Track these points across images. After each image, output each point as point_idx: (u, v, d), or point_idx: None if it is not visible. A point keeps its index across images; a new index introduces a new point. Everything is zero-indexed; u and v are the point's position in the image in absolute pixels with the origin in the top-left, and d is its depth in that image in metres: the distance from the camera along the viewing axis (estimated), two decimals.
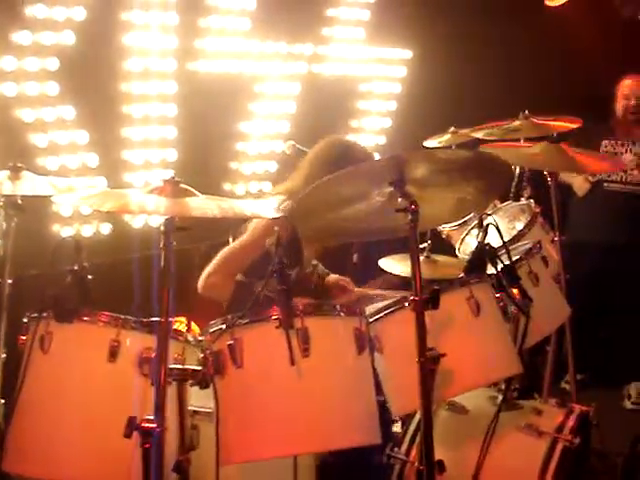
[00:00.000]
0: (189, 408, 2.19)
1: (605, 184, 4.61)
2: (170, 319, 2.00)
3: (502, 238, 2.62)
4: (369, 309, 2.38)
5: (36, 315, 2.15)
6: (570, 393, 3.70)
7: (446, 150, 3.49)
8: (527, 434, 2.56)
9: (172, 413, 2.06)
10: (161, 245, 2.01)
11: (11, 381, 2.17)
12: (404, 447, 2.63)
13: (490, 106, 3.98)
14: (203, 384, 2.10)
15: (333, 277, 3.43)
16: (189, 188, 2.08)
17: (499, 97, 4.72)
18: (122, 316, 2.14)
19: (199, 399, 2.23)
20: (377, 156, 4.29)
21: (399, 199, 2.14)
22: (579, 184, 4.63)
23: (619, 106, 4.67)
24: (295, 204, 2.30)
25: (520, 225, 3.62)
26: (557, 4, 5.46)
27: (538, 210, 3.63)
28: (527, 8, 5.28)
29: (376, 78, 5.04)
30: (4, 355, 2.62)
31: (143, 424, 1.93)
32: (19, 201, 2.62)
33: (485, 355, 2.43)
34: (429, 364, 2.10)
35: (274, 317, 2.04)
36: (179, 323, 3.58)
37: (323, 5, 4.71)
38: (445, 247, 3.86)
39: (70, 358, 2.13)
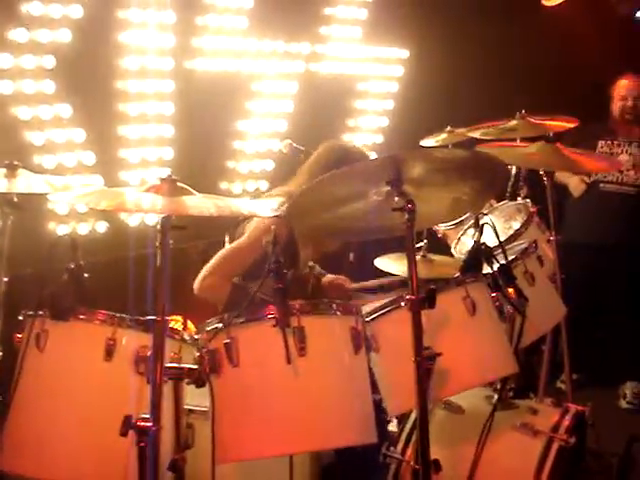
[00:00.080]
0: (185, 407, 2.20)
1: (601, 185, 4.62)
2: (166, 318, 2.00)
3: (498, 238, 2.62)
4: (365, 308, 2.38)
5: (32, 313, 2.15)
6: (566, 393, 3.71)
7: (443, 149, 3.49)
8: (523, 433, 2.57)
9: (168, 412, 2.06)
10: (157, 244, 2.01)
11: (7, 379, 2.17)
12: (400, 446, 2.63)
13: (487, 106, 3.98)
14: (199, 383, 2.11)
15: (329, 277, 3.43)
16: (186, 187, 2.08)
17: (496, 97, 4.73)
18: (118, 314, 2.14)
19: (194, 398, 2.23)
20: (374, 155, 4.29)
21: (396, 198, 2.14)
22: (575, 185, 4.64)
23: (615, 106, 4.68)
24: (291, 204, 2.29)
25: (516, 225, 3.62)
26: (554, 4, 5.47)
27: (534, 210, 3.64)
28: (523, 7, 5.29)
29: (373, 77, 5.04)
30: (0, 353, 2.61)
31: (139, 423, 1.93)
32: (15, 199, 2.62)
33: (481, 354, 2.43)
34: (425, 363, 2.11)
35: (270, 316, 2.05)
36: (175, 322, 3.58)
37: (320, 4, 4.71)
38: (441, 246, 3.86)
39: (66, 356, 2.13)
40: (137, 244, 3.65)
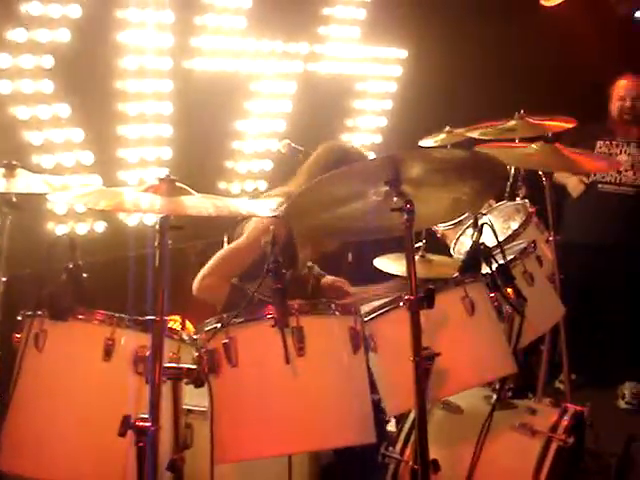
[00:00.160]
0: (183, 407, 2.19)
1: (599, 185, 4.62)
2: (165, 318, 2.00)
3: (497, 238, 2.63)
4: (364, 308, 2.38)
5: (31, 313, 2.15)
6: (564, 393, 3.71)
7: (442, 150, 3.49)
8: (521, 433, 2.57)
9: (166, 412, 2.06)
10: (156, 244, 2.00)
11: (5, 379, 2.17)
12: (398, 446, 2.63)
13: (485, 106, 3.98)
14: (198, 383, 2.11)
15: (329, 279, 3.43)
16: (184, 186, 2.08)
17: (494, 97, 4.73)
18: (117, 314, 2.14)
19: (193, 398, 2.23)
20: (372, 156, 4.29)
21: (395, 198, 2.14)
22: (574, 185, 4.64)
23: (614, 107, 4.67)
24: (289, 204, 2.29)
25: (515, 225, 3.62)
26: (553, 4, 5.47)
27: (533, 210, 3.64)
28: (522, 8, 5.29)
29: (372, 77, 5.04)
30: None
31: (137, 423, 1.93)
32: (14, 199, 2.62)
33: (479, 354, 2.43)
34: (424, 363, 2.11)
35: (269, 316, 2.05)
36: (174, 322, 3.58)
37: (319, 4, 4.71)
38: (440, 246, 3.87)
39: (65, 356, 2.12)
40: (136, 244, 3.65)
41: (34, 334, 2.12)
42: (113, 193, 2.15)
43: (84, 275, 2.22)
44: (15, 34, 3.51)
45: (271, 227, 2.09)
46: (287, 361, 2.02)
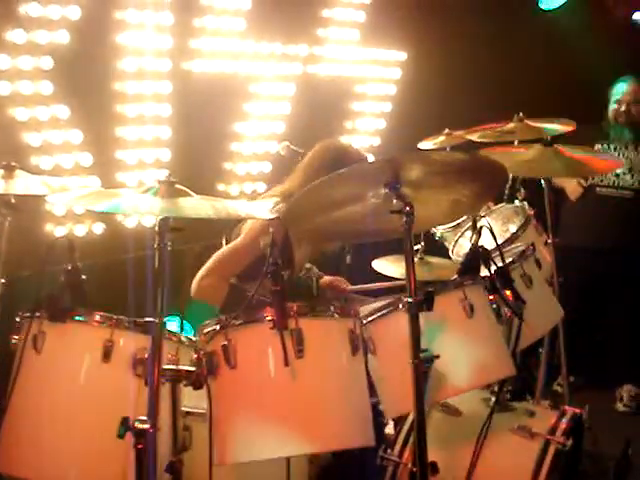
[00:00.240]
0: (182, 409, 2.19)
1: (597, 188, 4.61)
2: (164, 319, 2.00)
3: (496, 240, 2.63)
4: (363, 310, 2.38)
5: (29, 315, 2.15)
6: (563, 395, 3.71)
7: (441, 152, 3.49)
8: (520, 436, 2.57)
9: (165, 414, 2.05)
10: (155, 245, 2.00)
11: (4, 381, 2.16)
12: (397, 449, 2.63)
13: (484, 108, 3.99)
14: (197, 385, 2.11)
15: (327, 278, 3.43)
16: (183, 188, 2.08)
17: (493, 99, 4.74)
18: (116, 316, 2.14)
19: (192, 400, 2.23)
20: (371, 158, 4.29)
21: (394, 201, 2.14)
22: (572, 188, 4.63)
23: (612, 109, 4.68)
24: (288, 207, 2.29)
25: (514, 227, 3.62)
26: (552, 8, 5.47)
27: (532, 212, 3.63)
28: (521, 10, 5.30)
29: (371, 79, 5.04)
30: None
31: (136, 424, 1.93)
32: (12, 200, 2.61)
33: (478, 357, 2.43)
34: (422, 366, 2.11)
35: (268, 318, 2.05)
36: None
37: (318, 6, 4.71)
38: (439, 249, 3.87)
39: (63, 358, 2.12)
40: (134, 246, 3.65)
41: (33, 336, 2.12)
42: (112, 194, 2.14)
43: (83, 277, 2.22)
44: (14, 35, 3.50)
45: (270, 229, 2.09)
46: (286, 363, 2.01)
